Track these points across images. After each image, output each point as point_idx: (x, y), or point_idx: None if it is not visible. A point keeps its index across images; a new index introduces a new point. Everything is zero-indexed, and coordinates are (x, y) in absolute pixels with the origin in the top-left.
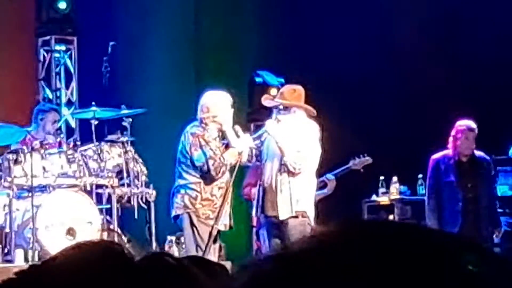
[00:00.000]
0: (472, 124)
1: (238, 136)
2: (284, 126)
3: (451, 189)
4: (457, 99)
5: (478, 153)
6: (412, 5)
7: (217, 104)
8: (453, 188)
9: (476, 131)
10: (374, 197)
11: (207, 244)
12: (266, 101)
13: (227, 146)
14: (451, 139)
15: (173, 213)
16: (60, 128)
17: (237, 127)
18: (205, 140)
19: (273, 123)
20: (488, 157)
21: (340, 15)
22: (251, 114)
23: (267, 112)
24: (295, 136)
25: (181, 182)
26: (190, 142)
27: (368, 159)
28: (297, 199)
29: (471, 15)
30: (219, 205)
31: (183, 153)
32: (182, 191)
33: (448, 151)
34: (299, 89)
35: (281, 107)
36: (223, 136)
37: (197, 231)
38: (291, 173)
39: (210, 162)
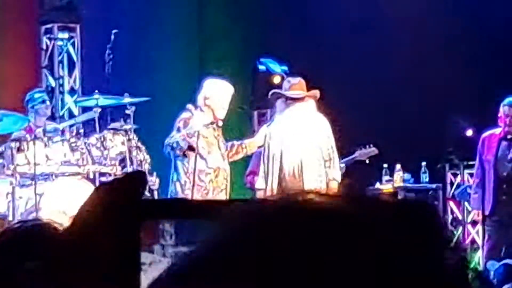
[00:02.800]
0: None
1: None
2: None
3: (488, 167)
4: (460, 85)
5: None
6: None
7: (215, 92)
8: (490, 166)
9: None
10: (377, 185)
11: None
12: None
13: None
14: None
15: None
16: (63, 116)
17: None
18: (186, 122)
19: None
20: None
21: (343, 2)
22: (255, 102)
23: (271, 99)
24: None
25: (174, 170)
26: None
27: (373, 150)
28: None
29: None
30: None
31: None
32: (175, 178)
33: (499, 129)
34: (301, 79)
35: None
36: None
37: None
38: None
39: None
